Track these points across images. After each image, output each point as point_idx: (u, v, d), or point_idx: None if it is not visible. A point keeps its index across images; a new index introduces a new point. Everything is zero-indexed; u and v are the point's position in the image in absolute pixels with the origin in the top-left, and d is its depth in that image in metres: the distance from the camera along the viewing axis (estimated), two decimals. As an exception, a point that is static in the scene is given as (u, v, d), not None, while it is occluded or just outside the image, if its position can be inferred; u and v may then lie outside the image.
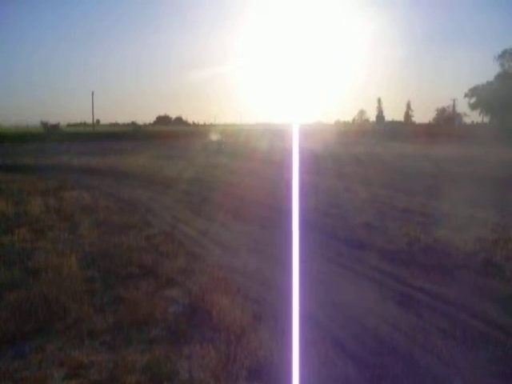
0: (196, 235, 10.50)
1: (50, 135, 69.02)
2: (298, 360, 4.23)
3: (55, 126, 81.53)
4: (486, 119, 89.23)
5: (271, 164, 27.47)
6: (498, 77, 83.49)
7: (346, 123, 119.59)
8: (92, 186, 18.10)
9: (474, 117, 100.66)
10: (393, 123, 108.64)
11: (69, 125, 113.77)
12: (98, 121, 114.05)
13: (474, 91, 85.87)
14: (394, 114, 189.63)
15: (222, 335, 5.43)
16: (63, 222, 11.50)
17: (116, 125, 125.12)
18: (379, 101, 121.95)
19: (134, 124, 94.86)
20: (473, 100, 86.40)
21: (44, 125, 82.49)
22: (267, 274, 7.75)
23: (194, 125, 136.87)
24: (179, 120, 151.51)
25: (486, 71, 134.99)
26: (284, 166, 19.78)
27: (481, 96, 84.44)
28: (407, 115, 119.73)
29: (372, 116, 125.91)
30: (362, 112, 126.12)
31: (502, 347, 5.35)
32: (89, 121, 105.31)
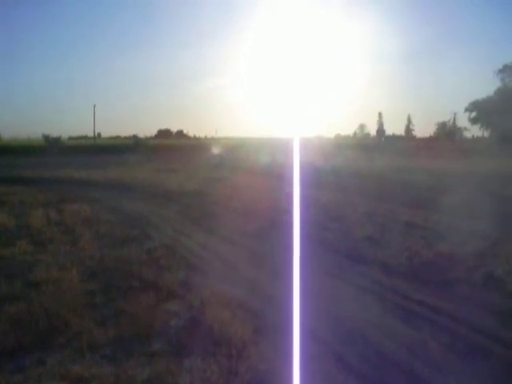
0: (197, 248, 10.50)
1: (52, 148, 69.19)
2: (298, 374, 4.22)
3: (57, 139, 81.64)
4: (487, 133, 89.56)
5: (272, 177, 27.49)
6: (498, 91, 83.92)
7: (346, 137, 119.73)
8: (93, 199, 18.11)
9: (474, 131, 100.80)
10: (393, 137, 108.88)
11: (70, 138, 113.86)
12: (99, 134, 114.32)
13: (474, 105, 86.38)
14: (394, 128, 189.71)
15: (223, 349, 5.42)
16: (64, 234, 11.49)
17: (117, 138, 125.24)
18: (380, 115, 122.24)
19: (135, 137, 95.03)
20: (473, 114, 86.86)
21: (46, 137, 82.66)
22: (268, 288, 7.74)
23: (195, 138, 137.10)
24: (180, 133, 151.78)
25: (487, 86, 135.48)
26: (285, 179, 19.77)
27: (481, 110, 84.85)
28: (408, 129, 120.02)
29: (373, 130, 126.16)
30: (362, 126, 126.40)
31: (502, 360, 5.36)
32: (90, 134, 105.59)
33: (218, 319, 6.16)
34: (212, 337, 5.76)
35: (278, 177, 25.88)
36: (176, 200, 18.46)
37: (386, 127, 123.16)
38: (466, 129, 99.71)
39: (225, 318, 6.23)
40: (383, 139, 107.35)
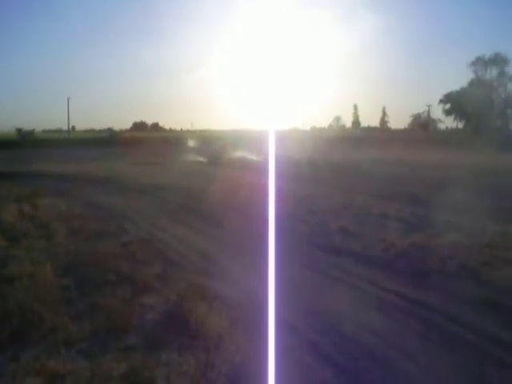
0: (173, 242, 10.47)
1: (25, 141, 68.28)
2: (274, 365, 4.24)
3: (30, 132, 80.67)
4: (461, 125, 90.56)
5: (248, 170, 27.48)
6: (472, 83, 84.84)
7: (322, 129, 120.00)
8: (67, 193, 17.93)
9: (448, 122, 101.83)
10: (369, 129, 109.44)
11: (44, 131, 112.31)
12: (73, 127, 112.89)
13: (448, 97, 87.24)
14: (369, 120, 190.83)
15: (199, 342, 5.41)
16: (38, 229, 11.36)
17: (92, 131, 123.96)
18: (355, 107, 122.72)
19: (110, 130, 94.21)
20: (447, 106, 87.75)
21: (18, 131, 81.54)
22: (244, 280, 7.75)
23: (171, 131, 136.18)
24: (156, 126, 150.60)
25: (460, 78, 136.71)
26: (261, 172, 19.80)
27: (455, 102, 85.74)
28: (383, 121, 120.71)
29: (348, 122, 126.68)
30: (337, 118, 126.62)
31: (475, 349, 5.45)
32: (64, 127, 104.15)
33: (195, 312, 6.15)
34: (189, 330, 5.75)
35: (254, 169, 25.91)
36: (152, 193, 18.37)
37: (361, 119, 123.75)
38: (440, 120, 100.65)
39: (201, 310, 6.22)
40: (358, 131, 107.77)
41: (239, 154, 40.27)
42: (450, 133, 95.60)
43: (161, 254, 9.31)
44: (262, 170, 20.70)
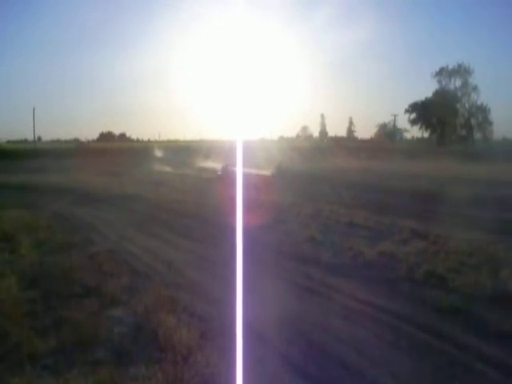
0: (140, 253, 10.38)
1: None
2: (243, 378, 4.21)
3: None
4: (426, 134, 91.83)
5: (215, 180, 27.47)
6: (436, 93, 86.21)
7: (289, 139, 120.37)
8: (33, 205, 17.65)
9: (414, 132, 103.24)
10: (336, 139, 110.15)
11: (9, 141, 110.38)
12: (39, 137, 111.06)
13: (413, 107, 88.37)
14: (336, 129, 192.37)
15: (168, 355, 5.35)
16: (2, 241, 11.14)
17: (58, 141, 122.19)
18: (322, 116, 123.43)
19: (76, 140, 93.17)
20: (413, 115, 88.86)
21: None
22: (212, 291, 7.71)
23: (138, 141, 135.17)
24: (123, 136, 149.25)
25: (426, 88, 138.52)
26: (228, 182, 19.79)
27: (420, 112, 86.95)
28: (349, 131, 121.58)
29: (315, 132, 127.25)
30: (305, 128, 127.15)
31: (444, 355, 5.50)
32: (30, 137, 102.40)
33: (163, 325, 6.08)
34: (157, 343, 5.69)
35: (221, 180, 25.90)
36: (118, 204, 18.22)
37: (328, 129, 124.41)
38: (405, 130, 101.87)
39: (170, 323, 6.15)
40: (325, 141, 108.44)
41: (207, 163, 40.24)
42: (416, 142, 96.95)
43: (128, 266, 9.21)
44: (229, 180, 20.71)
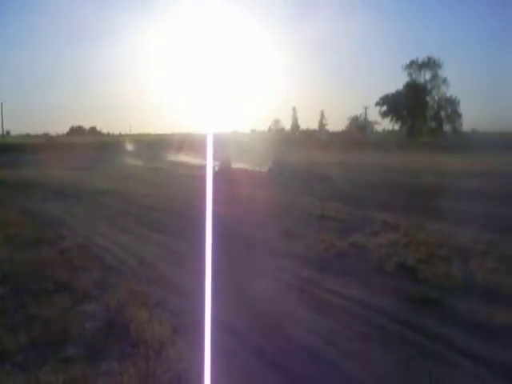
0: (112, 247, 10.29)
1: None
2: (214, 371, 4.20)
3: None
4: (397, 126, 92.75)
5: (187, 173, 27.35)
6: (407, 86, 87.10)
7: (262, 132, 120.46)
8: (1, 200, 17.41)
9: (385, 124, 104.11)
10: (307, 132, 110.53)
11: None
12: (8, 132, 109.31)
13: (384, 100, 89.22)
14: (308, 122, 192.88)
15: (140, 350, 5.32)
16: (-30, 238, 10.95)
17: (28, 136, 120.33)
18: (294, 110, 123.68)
19: (46, 135, 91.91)
20: (383, 108, 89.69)
21: None
22: (184, 285, 7.68)
23: (109, 135, 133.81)
24: (93, 130, 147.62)
25: (397, 80, 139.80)
26: (200, 175, 19.68)
27: (391, 104, 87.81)
28: (321, 123, 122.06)
29: (287, 125, 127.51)
30: (277, 121, 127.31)
31: (416, 346, 5.59)
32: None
33: (136, 320, 6.06)
34: (129, 338, 5.66)
35: (193, 173, 25.78)
36: (89, 199, 18.04)
37: (300, 122, 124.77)
38: (376, 122, 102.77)
39: (142, 318, 6.13)
40: (297, 134, 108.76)
41: (180, 157, 40.02)
42: (387, 134, 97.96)
43: (100, 261, 9.13)
44: (201, 173, 20.59)
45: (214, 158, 29.09)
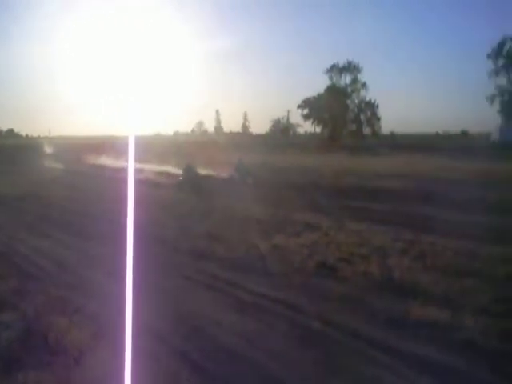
0: (30, 254, 9.99)
1: None
2: (135, 375, 4.17)
3: None
4: (318, 129, 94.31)
5: (109, 176, 26.86)
6: (328, 89, 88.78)
7: (185, 134, 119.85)
8: None
9: (307, 127, 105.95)
10: (231, 134, 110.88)
11: None
12: None
13: (306, 103, 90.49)
14: (231, 125, 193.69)
15: (59, 358, 5.21)
16: None
17: None
18: (217, 112, 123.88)
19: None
20: (305, 111, 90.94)
21: None
22: (105, 291, 7.55)
23: (28, 137, 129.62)
24: (11, 132, 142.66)
25: (319, 83, 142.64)
26: (122, 179, 19.33)
27: (312, 107, 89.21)
28: (244, 126, 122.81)
29: (210, 127, 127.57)
30: (200, 123, 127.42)
31: (337, 343, 5.74)
32: None
33: (54, 327, 5.92)
34: (48, 346, 5.52)
35: (115, 176, 25.32)
36: (8, 204, 17.43)
37: (223, 124, 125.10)
38: (299, 125, 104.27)
39: (61, 325, 6.00)
40: (221, 136, 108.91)
41: (100, 160, 39.25)
42: (309, 137, 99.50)
43: (18, 268, 8.85)
44: (123, 177, 20.27)
45: (178, 165, 27.62)
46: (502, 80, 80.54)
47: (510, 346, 5.61)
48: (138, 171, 24.14)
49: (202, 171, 24.82)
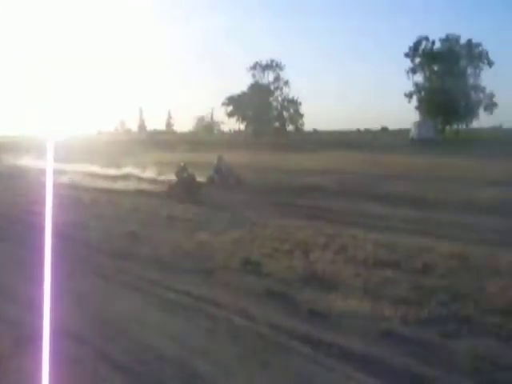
0: None
1: None
2: (53, 378, 4.08)
3: None
4: (242, 127, 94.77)
5: (25, 178, 25.92)
6: (251, 87, 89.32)
7: (108, 133, 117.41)
8: None
9: (231, 124, 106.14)
10: (155, 132, 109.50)
11: None
12: None
13: (230, 100, 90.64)
14: (155, 123, 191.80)
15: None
16: None
17: None
18: (140, 110, 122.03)
19: None
20: (230, 109, 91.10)
21: None
22: (26, 295, 7.32)
23: None
24: None
25: (244, 81, 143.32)
26: (41, 180, 18.67)
27: (236, 105, 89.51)
28: (168, 124, 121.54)
29: (134, 126, 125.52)
30: (123, 122, 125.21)
31: (261, 337, 5.83)
32: None
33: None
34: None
35: (33, 177, 24.47)
36: None
37: (147, 123, 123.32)
38: (223, 122, 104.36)
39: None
40: (145, 134, 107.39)
41: (19, 160, 37.90)
42: (233, 134, 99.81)
43: None
44: (42, 177, 19.61)
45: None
46: (419, 78, 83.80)
47: (427, 333, 5.85)
48: (59, 172, 23.52)
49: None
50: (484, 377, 4.86)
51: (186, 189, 18.04)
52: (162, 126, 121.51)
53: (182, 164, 19.91)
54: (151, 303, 7.04)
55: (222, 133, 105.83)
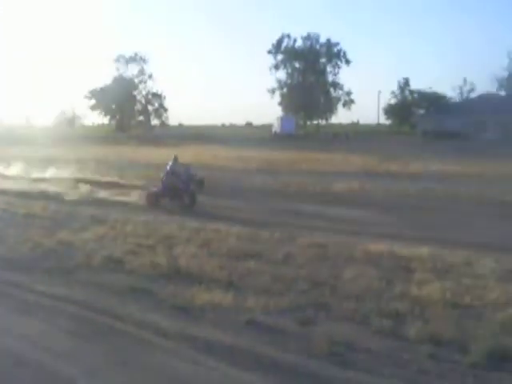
0: None
1: None
2: None
3: None
4: (106, 120, 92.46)
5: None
6: (115, 80, 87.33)
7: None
8: None
9: (94, 118, 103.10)
10: (12, 128, 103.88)
11: None
12: None
13: (92, 93, 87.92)
14: (14, 117, 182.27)
15: None
16: None
17: None
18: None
19: None
20: (92, 102, 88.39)
21: None
22: None
23: None
24: None
25: (108, 74, 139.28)
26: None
27: (99, 98, 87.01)
28: (27, 119, 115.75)
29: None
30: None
31: (125, 335, 5.80)
32: None
33: None
34: None
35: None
36: None
37: (4, 117, 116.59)
38: (85, 116, 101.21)
39: None
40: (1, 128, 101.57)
41: None
42: (96, 128, 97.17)
43: None
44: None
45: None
46: (282, 74, 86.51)
47: (287, 321, 6.06)
48: None
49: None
50: (338, 358, 5.13)
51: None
52: (22, 121, 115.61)
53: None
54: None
55: (85, 127, 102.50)
